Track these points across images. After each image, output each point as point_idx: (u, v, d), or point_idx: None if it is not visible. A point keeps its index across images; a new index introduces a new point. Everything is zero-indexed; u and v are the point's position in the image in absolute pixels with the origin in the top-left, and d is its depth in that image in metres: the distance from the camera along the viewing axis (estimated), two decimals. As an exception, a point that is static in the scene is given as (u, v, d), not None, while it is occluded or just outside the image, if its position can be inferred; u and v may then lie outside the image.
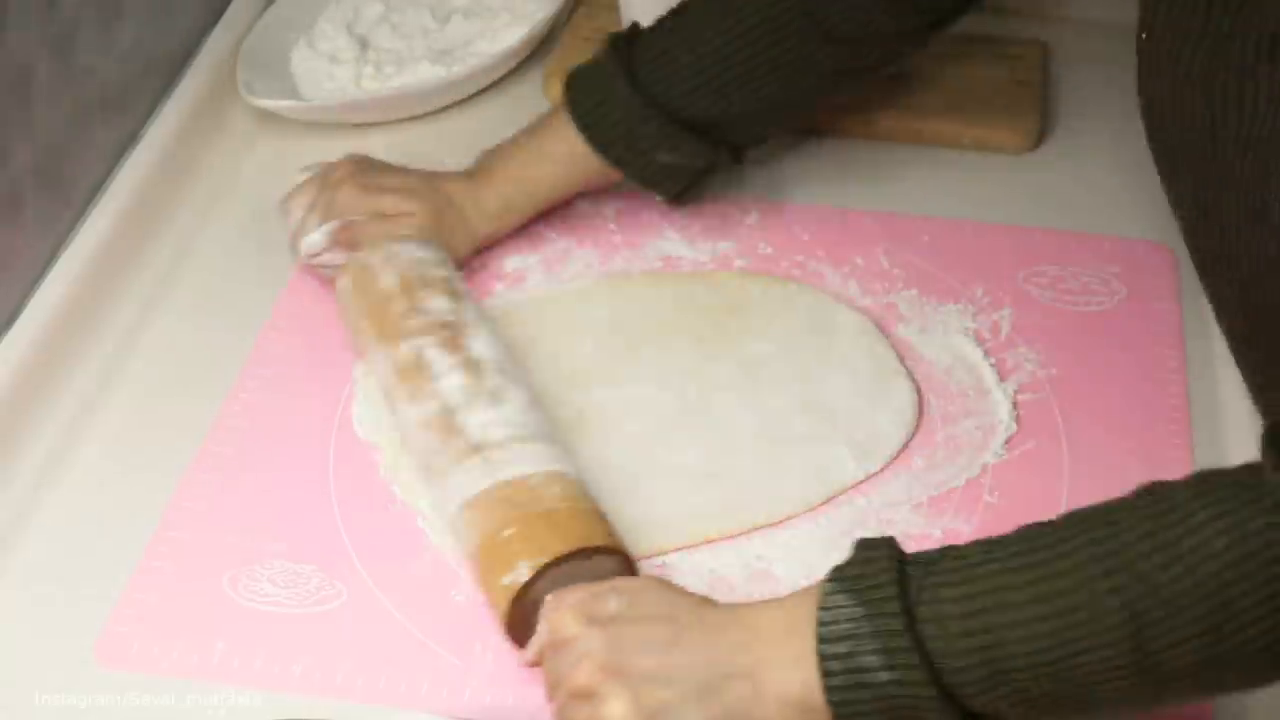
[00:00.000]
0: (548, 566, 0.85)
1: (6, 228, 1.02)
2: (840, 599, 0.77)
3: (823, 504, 0.94)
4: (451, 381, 0.94)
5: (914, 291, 1.08)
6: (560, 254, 1.12)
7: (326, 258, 1.05)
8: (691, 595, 0.83)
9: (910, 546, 0.91)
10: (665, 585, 0.84)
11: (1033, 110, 1.22)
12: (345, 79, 1.25)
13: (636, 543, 0.90)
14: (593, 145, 1.07)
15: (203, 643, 0.87)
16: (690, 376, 1.02)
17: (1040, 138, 1.21)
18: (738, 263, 1.11)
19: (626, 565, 0.87)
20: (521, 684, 0.85)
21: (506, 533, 0.86)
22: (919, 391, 1.01)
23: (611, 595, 0.82)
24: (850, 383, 1.01)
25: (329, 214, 1.06)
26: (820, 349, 1.04)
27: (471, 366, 0.95)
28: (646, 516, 0.93)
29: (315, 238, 1.05)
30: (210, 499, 0.95)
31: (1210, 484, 0.74)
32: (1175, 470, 0.94)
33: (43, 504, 0.95)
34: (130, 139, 1.16)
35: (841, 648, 0.76)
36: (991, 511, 0.94)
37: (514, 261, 1.11)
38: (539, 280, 1.10)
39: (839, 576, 0.78)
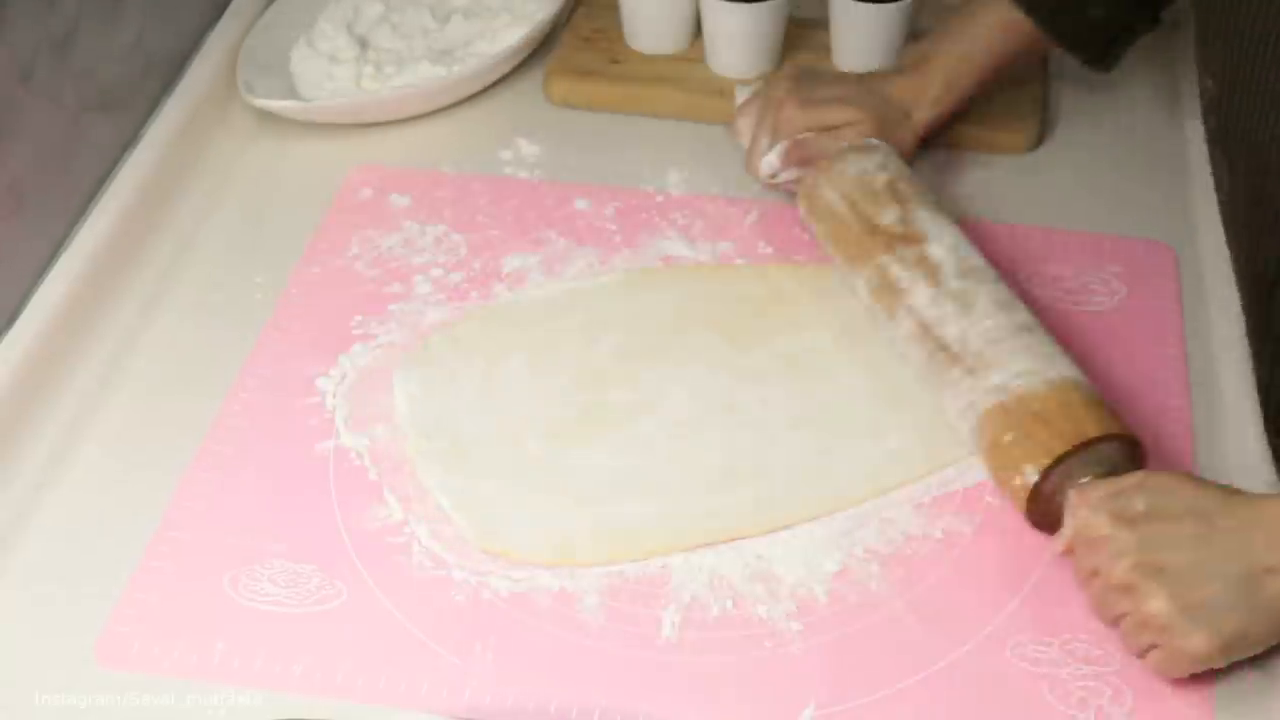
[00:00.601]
0: (1052, 466, 0.88)
1: (6, 228, 1.02)
2: None
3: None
4: (919, 298, 0.98)
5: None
6: (561, 254, 1.12)
7: (784, 176, 1.11)
8: (1217, 489, 0.86)
9: (911, 546, 0.92)
10: (1189, 479, 0.87)
11: (1033, 110, 1.21)
12: (345, 79, 1.25)
13: (679, 536, 0.92)
14: (1023, 7, 1.09)
15: (203, 643, 0.87)
16: (728, 371, 1.02)
17: (1040, 138, 1.21)
18: (738, 262, 1.11)
19: (1131, 446, 0.90)
20: (521, 684, 0.85)
21: (1007, 438, 0.90)
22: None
23: (1139, 493, 0.85)
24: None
25: (777, 134, 1.10)
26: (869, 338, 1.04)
27: (933, 274, 0.98)
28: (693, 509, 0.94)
29: (770, 158, 1.10)
30: (210, 499, 0.95)
31: None
32: (1176, 469, 0.94)
33: (43, 504, 0.95)
34: (130, 138, 1.16)
35: None
36: (993, 512, 0.94)
37: (514, 261, 1.11)
38: (539, 280, 1.09)
39: None
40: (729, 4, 1.20)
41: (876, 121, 1.10)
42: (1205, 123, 0.97)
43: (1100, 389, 0.97)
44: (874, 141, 1.09)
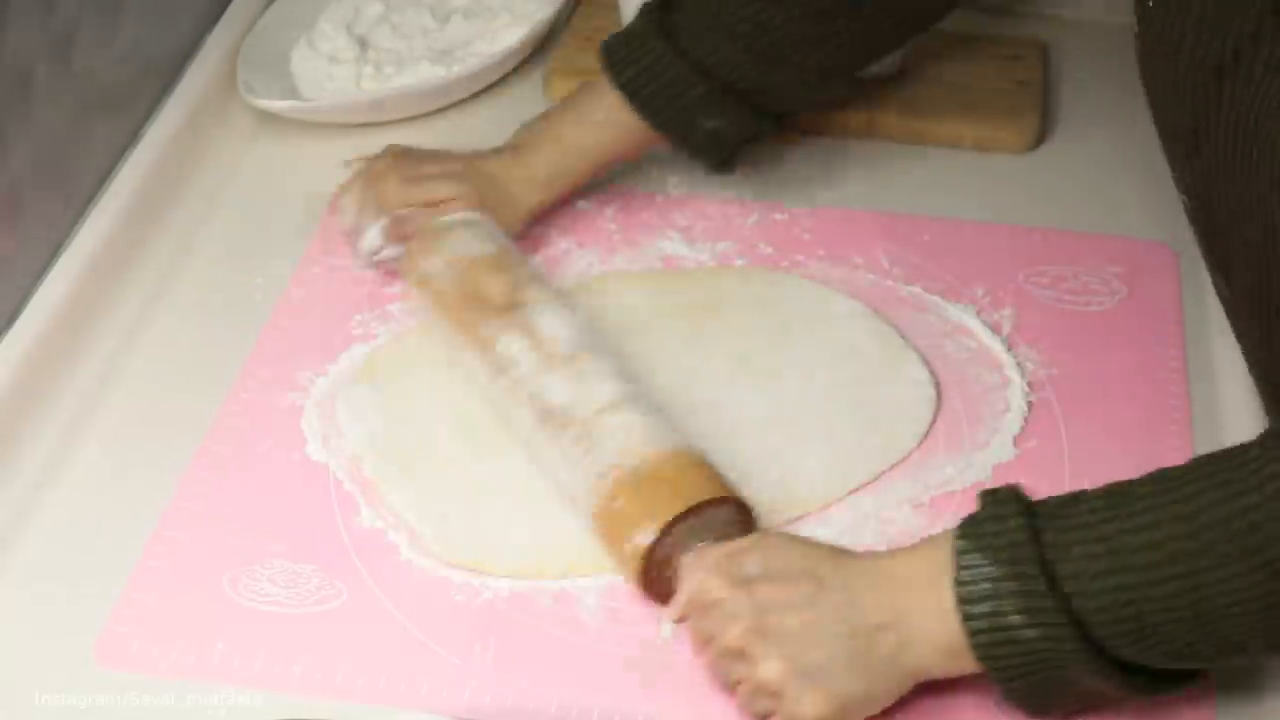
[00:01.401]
0: (666, 530, 0.86)
1: (6, 228, 1.02)
2: (976, 558, 0.78)
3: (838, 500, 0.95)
4: (525, 366, 0.95)
5: (916, 289, 1.08)
6: (561, 254, 1.11)
7: (387, 254, 1.07)
8: (825, 547, 0.85)
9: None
10: (798, 540, 0.86)
11: (1033, 110, 1.22)
12: (345, 79, 1.25)
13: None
14: (637, 111, 1.07)
15: (203, 643, 0.87)
16: (683, 373, 1.02)
17: (1040, 137, 1.21)
18: (738, 262, 1.11)
19: (744, 512, 0.89)
20: (522, 684, 0.85)
21: (618, 504, 0.88)
22: (930, 369, 1.02)
23: (752, 555, 0.84)
24: (863, 367, 1.02)
25: (379, 211, 1.07)
26: (822, 336, 1.04)
27: (541, 343, 0.95)
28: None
29: (371, 237, 1.07)
30: (210, 499, 0.95)
31: None
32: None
33: (43, 504, 0.95)
34: (130, 139, 1.16)
35: (984, 607, 0.78)
36: (992, 511, 0.93)
37: (514, 261, 1.11)
38: (539, 280, 1.10)
39: (971, 534, 0.79)
40: None
41: (479, 198, 1.06)
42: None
43: (1101, 388, 0.98)
44: (476, 216, 1.05)
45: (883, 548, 0.91)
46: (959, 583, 0.78)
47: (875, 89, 1.21)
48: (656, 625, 0.88)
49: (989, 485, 0.94)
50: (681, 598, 0.85)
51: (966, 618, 0.78)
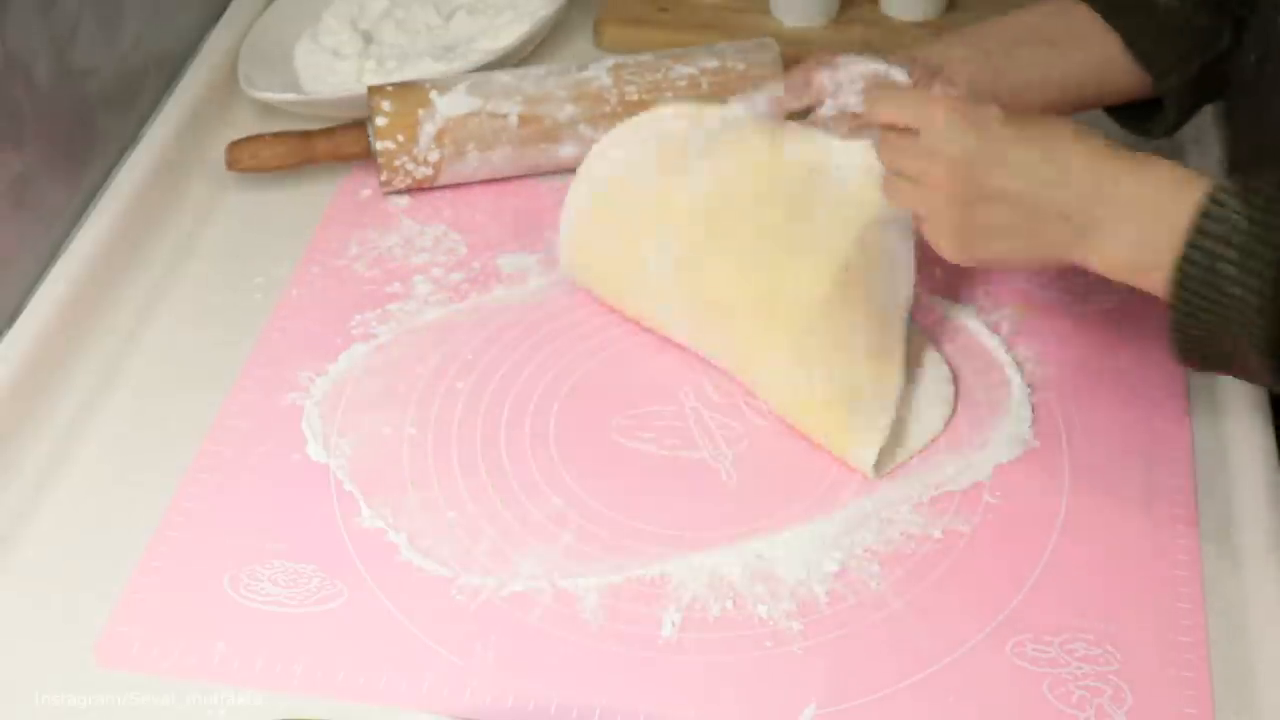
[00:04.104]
0: None
1: (7, 226, 1.02)
2: (1234, 203, 0.80)
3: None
4: None
5: (917, 290, 1.08)
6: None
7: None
8: (1071, 128, 0.87)
9: (910, 546, 0.92)
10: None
11: None
12: (348, 74, 1.25)
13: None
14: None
15: (203, 643, 0.87)
16: None
17: None
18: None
19: None
20: (522, 684, 0.85)
21: None
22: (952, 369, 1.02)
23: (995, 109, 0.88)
24: None
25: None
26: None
27: None
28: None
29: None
30: (210, 499, 0.95)
31: None
32: (1176, 469, 0.94)
33: (43, 504, 0.95)
34: (131, 138, 1.16)
35: (1210, 245, 0.80)
36: (992, 512, 0.93)
37: (514, 261, 1.11)
38: (539, 280, 1.09)
39: (1231, 190, 0.81)
40: None
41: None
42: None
43: (1102, 388, 0.98)
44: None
45: (883, 548, 0.91)
46: (1205, 214, 0.80)
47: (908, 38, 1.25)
48: (657, 625, 0.88)
49: (989, 485, 0.95)
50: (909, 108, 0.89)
51: (1191, 245, 0.81)
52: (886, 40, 1.26)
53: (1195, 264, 0.81)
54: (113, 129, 1.15)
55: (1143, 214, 0.83)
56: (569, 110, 1.15)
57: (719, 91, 1.16)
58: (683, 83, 1.16)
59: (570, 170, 1.07)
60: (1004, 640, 0.87)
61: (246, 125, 1.22)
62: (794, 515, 0.93)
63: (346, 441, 0.98)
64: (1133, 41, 1.03)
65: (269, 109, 1.21)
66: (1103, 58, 1.04)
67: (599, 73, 1.16)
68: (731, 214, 0.99)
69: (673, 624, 0.88)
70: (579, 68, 1.17)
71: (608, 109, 1.15)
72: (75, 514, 0.95)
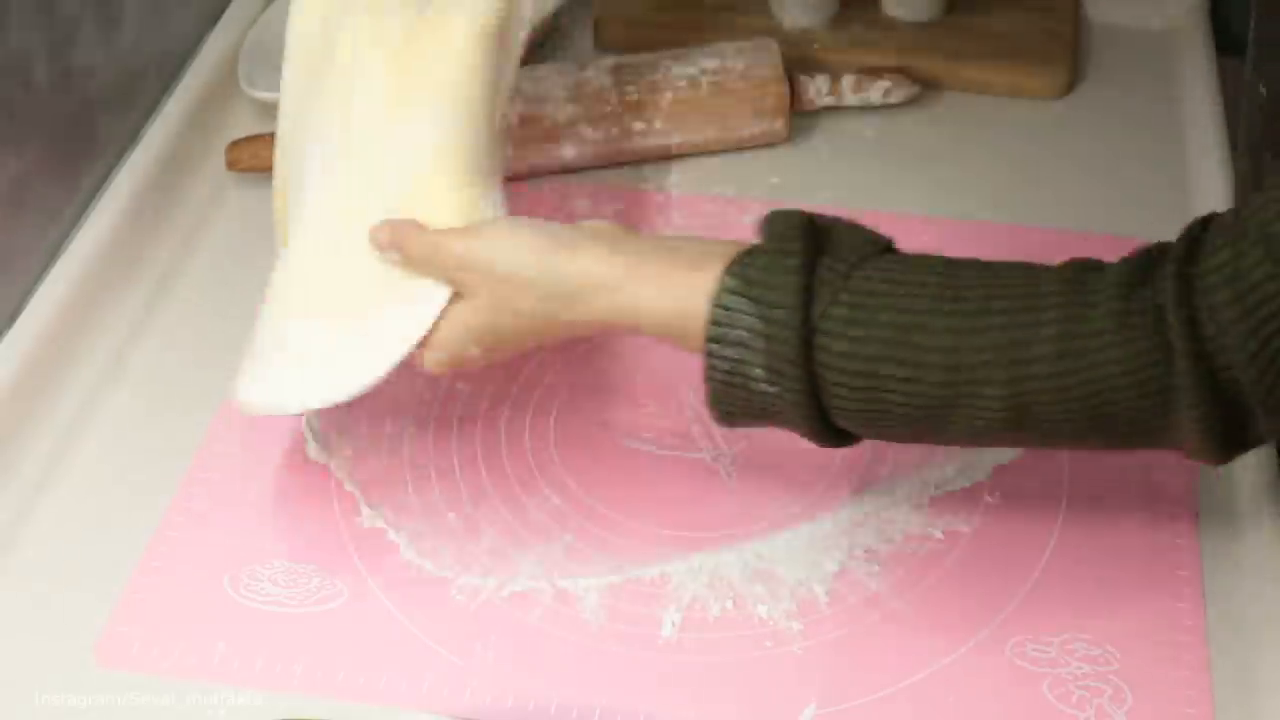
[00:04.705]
0: None
1: (7, 227, 1.02)
2: (740, 303, 0.77)
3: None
4: None
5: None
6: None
7: None
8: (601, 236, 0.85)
9: (910, 546, 0.91)
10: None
11: (1064, 60, 1.24)
12: (346, 77, 1.24)
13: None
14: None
15: (203, 643, 0.87)
16: None
17: (1070, 88, 1.24)
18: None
19: None
20: (522, 684, 0.85)
21: None
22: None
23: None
24: None
25: None
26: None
27: None
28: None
29: None
30: (211, 499, 0.95)
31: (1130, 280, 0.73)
32: (1175, 469, 0.94)
33: (43, 504, 0.95)
34: (131, 138, 1.16)
35: (730, 352, 0.78)
36: (992, 512, 0.93)
37: (514, 261, 1.11)
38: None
39: (742, 274, 0.78)
40: None
41: None
42: (1249, 130, 0.93)
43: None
44: None
45: (883, 548, 0.91)
46: (715, 322, 0.78)
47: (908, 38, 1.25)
48: (656, 625, 0.88)
49: (989, 485, 0.94)
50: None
51: (710, 355, 0.78)
52: (886, 40, 1.26)
53: (718, 369, 0.79)
54: (113, 129, 1.15)
55: (666, 316, 0.81)
56: (569, 110, 1.15)
57: (719, 91, 1.16)
58: (682, 83, 1.16)
59: (570, 170, 1.08)
60: (1004, 640, 0.87)
61: (246, 125, 1.22)
62: (794, 515, 0.93)
63: (346, 441, 0.98)
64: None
65: (269, 109, 1.21)
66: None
67: (599, 73, 1.17)
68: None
69: (673, 624, 0.88)
70: (579, 68, 1.17)
71: (608, 109, 1.16)
72: (75, 514, 0.95)
